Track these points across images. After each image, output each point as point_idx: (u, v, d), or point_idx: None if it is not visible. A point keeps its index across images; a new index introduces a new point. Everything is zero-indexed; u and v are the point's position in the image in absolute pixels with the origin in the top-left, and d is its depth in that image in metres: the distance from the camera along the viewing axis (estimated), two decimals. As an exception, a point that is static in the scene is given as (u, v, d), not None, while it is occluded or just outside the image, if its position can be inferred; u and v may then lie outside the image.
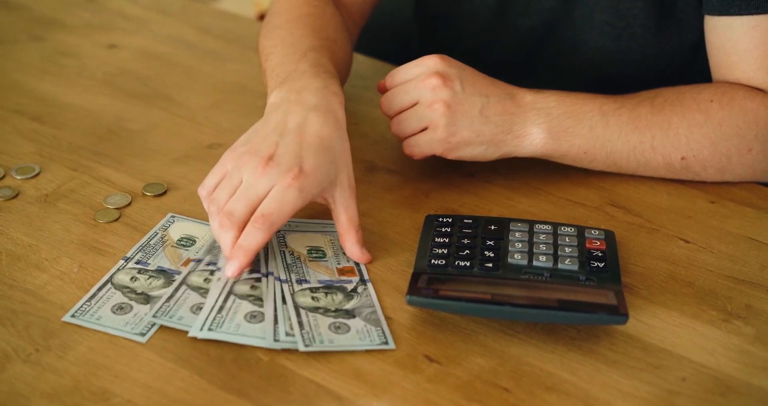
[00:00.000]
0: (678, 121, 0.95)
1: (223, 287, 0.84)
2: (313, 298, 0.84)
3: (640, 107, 0.96)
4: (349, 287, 0.86)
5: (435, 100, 0.92)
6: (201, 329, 0.79)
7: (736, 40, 0.97)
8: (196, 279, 0.86)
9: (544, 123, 0.94)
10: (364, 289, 0.85)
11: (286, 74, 0.93)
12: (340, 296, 0.84)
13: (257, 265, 0.87)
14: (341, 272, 0.88)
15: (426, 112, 0.93)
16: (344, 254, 0.90)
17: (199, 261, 0.88)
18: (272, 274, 0.86)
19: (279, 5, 1.07)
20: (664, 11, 1.06)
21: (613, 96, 0.97)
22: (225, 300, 0.83)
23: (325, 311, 0.82)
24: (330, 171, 0.86)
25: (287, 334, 0.79)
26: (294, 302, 0.83)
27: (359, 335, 0.80)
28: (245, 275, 0.85)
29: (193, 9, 1.40)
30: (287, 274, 0.86)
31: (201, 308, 0.82)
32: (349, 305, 0.83)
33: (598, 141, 0.95)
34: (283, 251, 0.89)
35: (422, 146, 0.95)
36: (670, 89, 0.98)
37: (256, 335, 0.79)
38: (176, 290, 0.84)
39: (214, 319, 0.81)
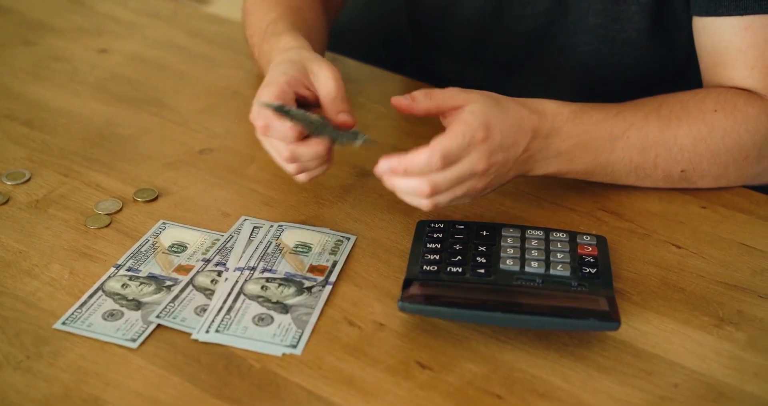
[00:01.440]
0: (684, 135, 0.94)
1: (231, 289, 0.84)
2: (263, 287, 0.85)
3: (648, 125, 0.93)
4: (307, 283, 0.86)
5: (482, 181, 0.87)
6: (207, 332, 0.80)
7: (728, 41, 0.96)
8: (203, 280, 0.86)
9: (554, 157, 0.92)
10: (320, 290, 0.85)
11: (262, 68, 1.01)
12: (291, 290, 0.85)
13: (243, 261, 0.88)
14: (312, 268, 0.88)
15: (470, 190, 0.87)
16: (328, 253, 0.90)
17: (207, 261, 0.88)
18: (240, 268, 0.87)
19: None
20: (659, 15, 1.06)
21: (623, 112, 0.94)
22: (234, 300, 0.83)
23: (265, 301, 0.83)
24: (301, 53, 0.92)
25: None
26: (241, 288, 0.85)
27: (277, 330, 0.81)
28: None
29: (183, 13, 1.39)
30: (257, 262, 0.88)
31: (205, 310, 0.82)
32: (291, 301, 0.84)
33: (600, 165, 0.94)
34: (271, 242, 0.90)
35: (449, 203, 0.88)
36: (672, 97, 0.97)
37: (264, 340, 0.80)
38: (182, 290, 0.84)
39: (222, 320, 0.81)
